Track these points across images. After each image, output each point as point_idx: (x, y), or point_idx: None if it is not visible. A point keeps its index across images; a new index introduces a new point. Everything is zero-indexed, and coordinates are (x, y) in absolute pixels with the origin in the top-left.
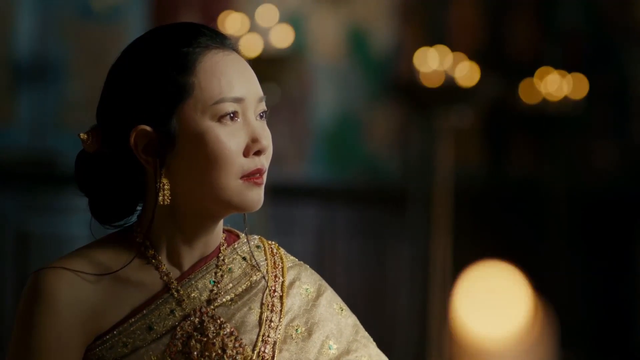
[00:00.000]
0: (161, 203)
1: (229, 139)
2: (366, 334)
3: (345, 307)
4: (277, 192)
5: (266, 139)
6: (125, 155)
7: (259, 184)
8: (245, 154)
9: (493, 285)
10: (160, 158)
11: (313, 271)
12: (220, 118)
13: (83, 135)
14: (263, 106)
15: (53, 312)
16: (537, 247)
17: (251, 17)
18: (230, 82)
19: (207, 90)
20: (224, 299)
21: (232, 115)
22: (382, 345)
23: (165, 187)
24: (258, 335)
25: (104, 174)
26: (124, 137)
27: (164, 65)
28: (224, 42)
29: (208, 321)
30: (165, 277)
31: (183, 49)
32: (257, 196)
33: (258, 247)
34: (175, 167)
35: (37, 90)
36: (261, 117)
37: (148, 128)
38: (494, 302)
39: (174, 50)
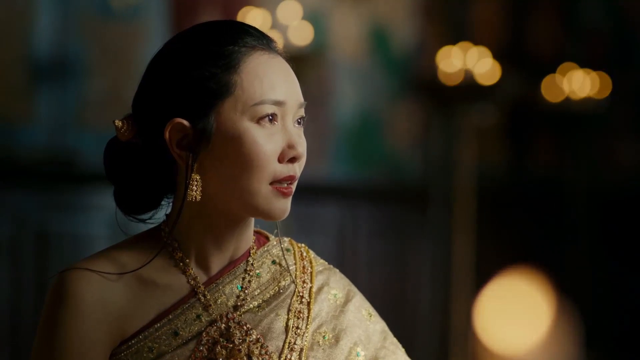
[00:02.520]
0: (190, 199)
1: (266, 142)
2: (395, 340)
3: (374, 312)
4: (297, 190)
5: (302, 147)
6: (158, 147)
7: (287, 195)
8: (280, 159)
9: (514, 281)
10: (193, 154)
11: (342, 275)
12: (259, 120)
13: (118, 122)
14: (302, 112)
15: (78, 314)
16: (559, 246)
17: (273, 14)
18: (273, 84)
19: (249, 91)
20: (251, 305)
21: (271, 117)
22: (403, 346)
23: (196, 183)
24: (284, 342)
25: (134, 164)
26: (159, 129)
27: (208, 60)
28: (269, 44)
29: (234, 327)
30: (192, 281)
31: (229, 47)
32: (283, 206)
33: (288, 250)
34: (207, 165)
35: (56, 89)
36: (299, 123)
37: (185, 122)
38: (517, 305)
39: (219, 47)
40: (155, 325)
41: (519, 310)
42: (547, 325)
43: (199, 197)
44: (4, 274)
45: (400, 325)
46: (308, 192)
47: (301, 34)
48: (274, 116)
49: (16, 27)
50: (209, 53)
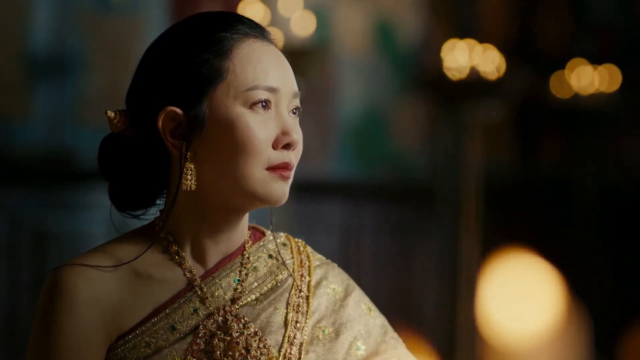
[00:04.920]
0: (184, 188)
1: (259, 128)
2: (395, 334)
3: (373, 307)
4: (301, 189)
5: (297, 134)
6: (151, 138)
7: (285, 178)
8: (274, 146)
9: (523, 280)
10: (187, 142)
11: (341, 270)
12: (252, 105)
13: (110, 113)
14: (297, 102)
15: (73, 310)
16: (568, 245)
17: (274, 7)
18: (266, 70)
19: (242, 76)
20: (249, 299)
21: (264, 103)
22: (409, 344)
23: (191, 172)
24: (284, 336)
25: (128, 158)
26: (152, 119)
27: (199, 47)
28: (263, 33)
29: (232, 320)
30: (188, 275)
31: (221, 33)
32: (281, 190)
33: (284, 244)
34: (201, 153)
35: (54, 85)
36: (294, 113)
37: (177, 110)
38: (523, 297)
39: (211, 33)
40: (152, 320)
41: (526, 302)
42: (554, 319)
43: (193, 186)
44: (2, 273)
45: (405, 325)
46: (312, 190)
47: (303, 25)
48: (268, 103)
49: (13, 22)
50: (200, 40)
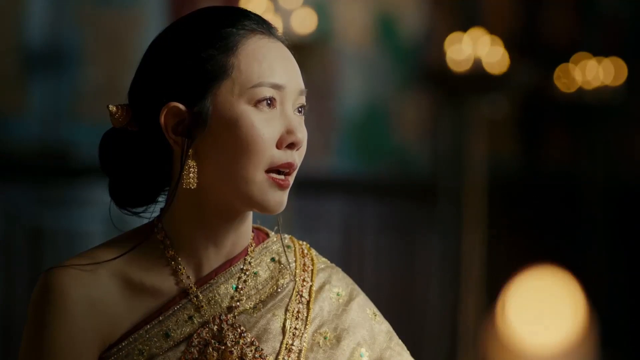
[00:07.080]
0: (185, 187)
1: (264, 126)
2: (400, 341)
3: (378, 312)
4: (301, 185)
5: (301, 133)
6: (153, 133)
7: (283, 187)
8: (279, 145)
9: (526, 280)
10: (189, 139)
11: (345, 274)
12: (256, 103)
13: (112, 107)
14: (302, 100)
15: (64, 312)
16: (572, 242)
17: (275, 0)
18: (272, 67)
19: (247, 73)
20: (247, 306)
21: (269, 101)
22: (411, 343)
23: (192, 170)
24: (281, 343)
25: (129, 153)
26: (154, 114)
27: (205, 42)
28: (270, 29)
29: (227, 329)
30: (184, 281)
31: (227, 29)
32: (279, 198)
33: (288, 247)
34: (203, 152)
35: (50, 79)
36: (299, 111)
37: (180, 106)
38: (540, 305)
39: (217, 29)
40: (146, 327)
41: (546, 310)
42: (573, 325)
43: (194, 184)
44: None
45: (408, 323)
46: (312, 187)
47: (305, 22)
48: (273, 100)
49: (8, 15)
50: (206, 35)
